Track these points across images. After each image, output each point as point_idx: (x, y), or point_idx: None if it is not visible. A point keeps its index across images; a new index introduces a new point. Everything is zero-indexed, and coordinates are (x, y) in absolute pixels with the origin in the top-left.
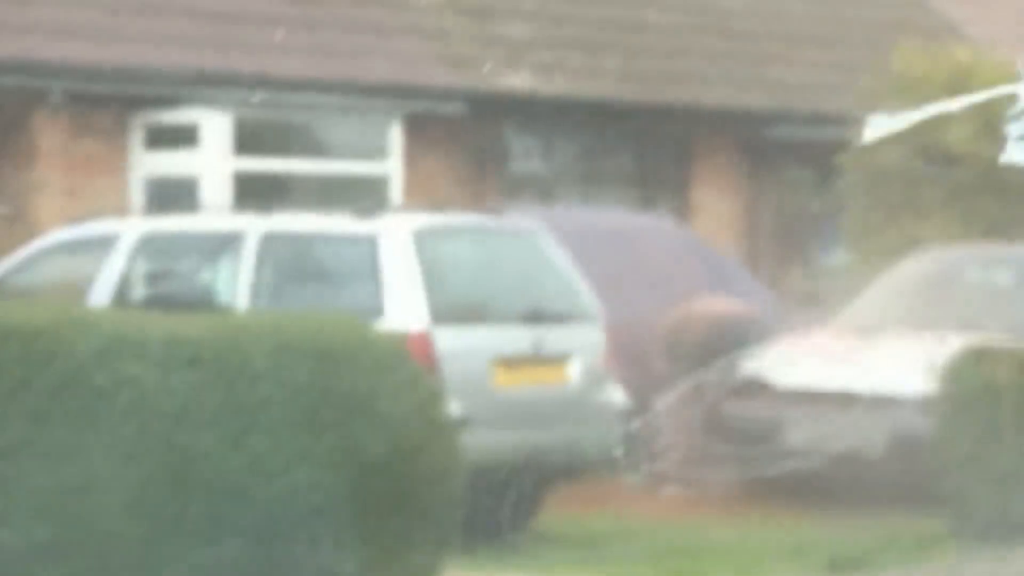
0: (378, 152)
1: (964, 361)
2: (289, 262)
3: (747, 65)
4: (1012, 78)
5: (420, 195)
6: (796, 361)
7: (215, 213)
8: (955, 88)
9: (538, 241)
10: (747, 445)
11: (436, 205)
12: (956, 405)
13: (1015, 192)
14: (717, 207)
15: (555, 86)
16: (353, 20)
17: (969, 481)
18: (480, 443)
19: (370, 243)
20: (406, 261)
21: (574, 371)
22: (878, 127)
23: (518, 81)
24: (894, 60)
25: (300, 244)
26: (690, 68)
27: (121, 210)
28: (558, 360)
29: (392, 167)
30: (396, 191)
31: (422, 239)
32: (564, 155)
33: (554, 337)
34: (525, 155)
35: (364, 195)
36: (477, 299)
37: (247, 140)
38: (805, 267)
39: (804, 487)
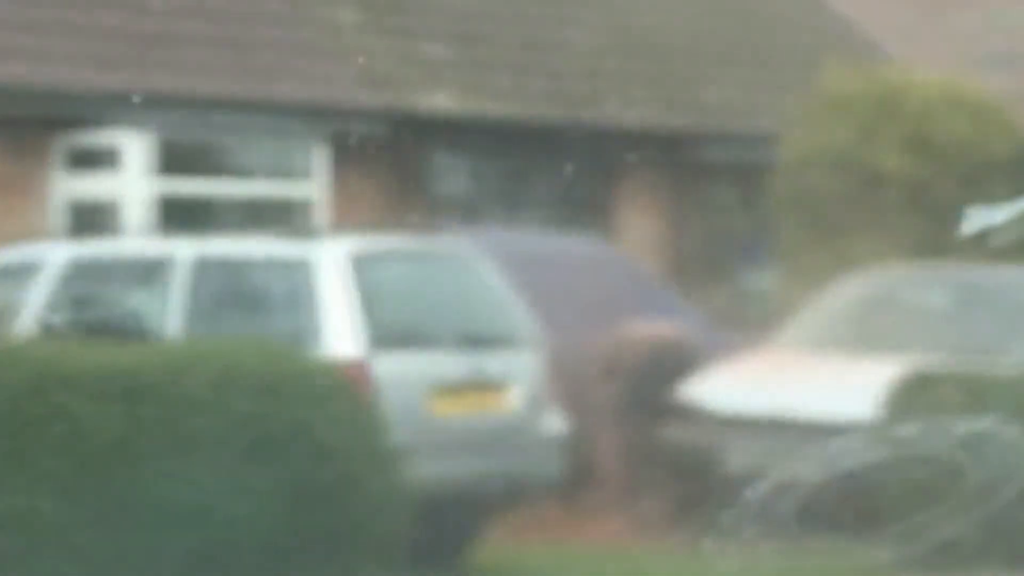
0: (301, 173)
1: (910, 385)
2: (222, 287)
3: (671, 86)
4: (943, 98)
5: (343, 217)
6: (733, 386)
7: (145, 237)
8: (886, 108)
9: (474, 264)
10: (684, 472)
11: (369, 227)
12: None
13: (944, 211)
14: (641, 228)
15: (478, 107)
16: (276, 40)
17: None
18: (418, 472)
19: (305, 267)
20: (342, 286)
21: (513, 398)
22: (976, 219)
23: (441, 102)
24: (824, 79)
25: (233, 269)
26: (614, 89)
27: (41, 234)
28: (497, 386)
29: (315, 188)
30: (319, 213)
31: (358, 263)
32: (488, 176)
33: (493, 363)
34: (448, 176)
35: (288, 217)
36: (414, 324)
37: (169, 162)
38: (730, 289)
39: (743, 515)
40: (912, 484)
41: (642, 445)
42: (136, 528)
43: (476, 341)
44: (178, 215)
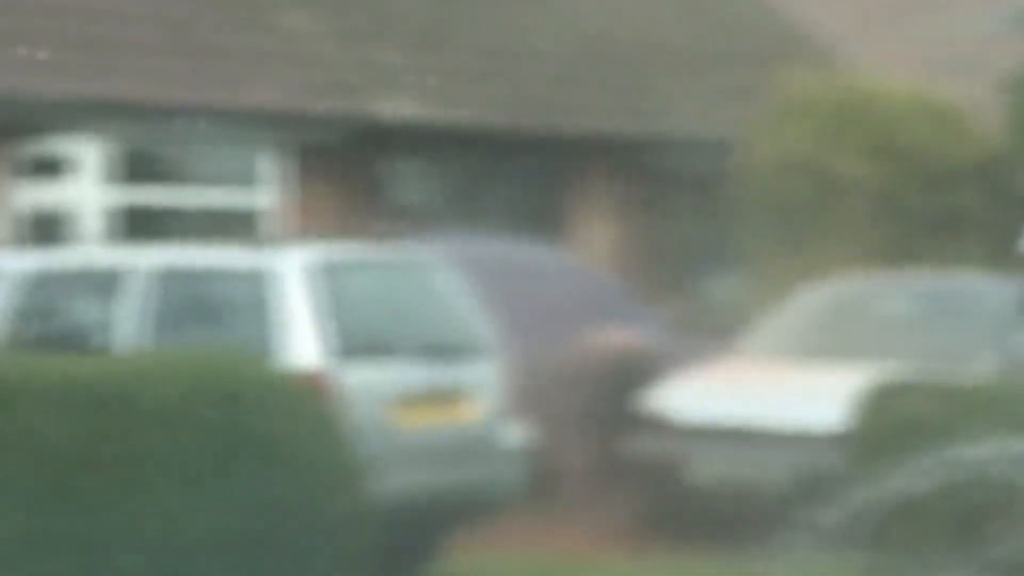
0: (260, 181)
1: (882, 394)
2: (183, 297)
3: (628, 92)
4: (906, 104)
5: (302, 225)
6: (698, 395)
7: (103, 246)
8: (849, 114)
9: (437, 273)
10: (650, 482)
11: (331, 236)
12: (874, 440)
13: (910, 219)
14: (599, 235)
15: (437, 114)
16: (231, 47)
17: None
18: (381, 484)
19: (267, 277)
20: (304, 295)
21: (476, 408)
22: None
23: (400, 109)
24: (786, 85)
25: (194, 278)
26: (572, 96)
27: None
28: (460, 397)
29: (274, 197)
30: (278, 221)
31: (320, 272)
32: (447, 183)
33: (455, 373)
34: (408, 184)
35: (247, 225)
36: (376, 335)
37: (127, 170)
38: (688, 296)
39: (709, 525)
40: (968, 503)
41: (607, 454)
42: (100, 542)
43: (439, 351)
44: (136, 224)
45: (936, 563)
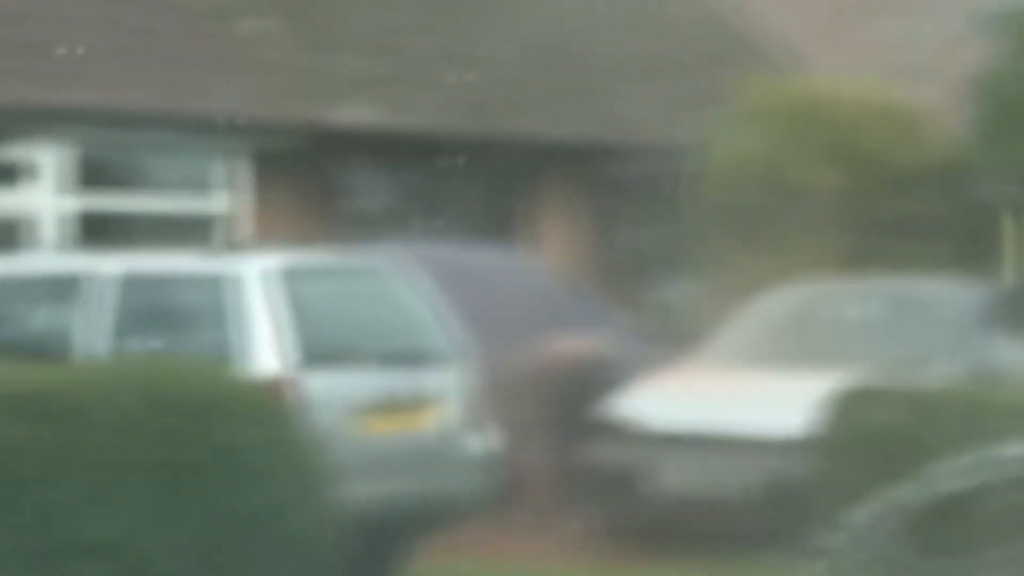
0: (219, 188)
1: (849, 400)
2: (144, 304)
3: (587, 98)
4: (865, 109)
5: (262, 231)
6: (662, 402)
7: (63, 252)
8: (808, 119)
9: (400, 279)
10: (615, 490)
11: (292, 243)
12: (841, 446)
13: (869, 224)
14: (559, 241)
15: (396, 120)
16: (189, 54)
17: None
18: (347, 494)
19: (229, 283)
20: (267, 301)
21: (444, 416)
22: None
23: (359, 115)
24: (744, 91)
25: (156, 285)
26: (529, 101)
27: None
28: (423, 404)
29: (233, 203)
30: (238, 227)
31: (283, 278)
32: (406, 189)
33: (419, 380)
34: (367, 190)
35: (206, 232)
36: (338, 342)
37: (85, 177)
38: (647, 302)
39: (675, 533)
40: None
41: (569, 462)
42: (59, 554)
43: (402, 358)
44: (93, 230)
45: (971, 564)
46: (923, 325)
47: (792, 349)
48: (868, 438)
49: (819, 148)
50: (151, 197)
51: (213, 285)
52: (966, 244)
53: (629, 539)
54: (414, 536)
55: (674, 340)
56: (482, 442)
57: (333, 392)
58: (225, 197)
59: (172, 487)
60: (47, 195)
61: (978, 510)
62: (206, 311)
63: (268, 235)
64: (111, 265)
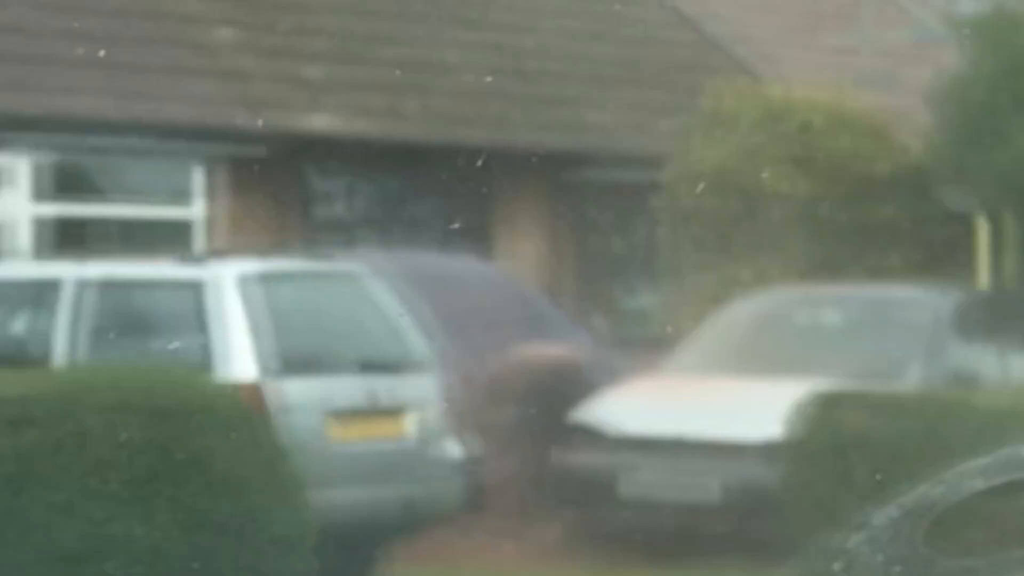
0: (182, 195)
1: (815, 406)
2: (116, 311)
3: (550, 106)
4: (825, 116)
5: (233, 238)
6: (631, 409)
7: (32, 259)
8: (769, 125)
9: (372, 286)
10: (582, 495)
11: (264, 249)
12: (807, 452)
13: (836, 231)
14: (523, 249)
15: (358, 128)
16: (153, 61)
17: (819, 531)
18: (316, 500)
19: (200, 289)
20: (239, 308)
21: (411, 424)
22: None
23: (322, 123)
24: (709, 98)
25: (124, 292)
26: (493, 110)
27: None
28: (394, 413)
29: (195, 211)
30: (204, 234)
31: (258, 284)
32: (369, 198)
33: (390, 388)
34: (329, 198)
35: (172, 239)
36: (311, 348)
37: (55, 184)
38: (614, 310)
39: (646, 537)
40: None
41: (541, 468)
42: (35, 563)
43: (374, 365)
44: (71, 237)
45: (994, 565)
46: (892, 331)
47: (762, 355)
48: (840, 443)
49: (787, 155)
50: (126, 204)
51: (190, 291)
52: (933, 250)
53: (603, 544)
54: (390, 542)
55: (645, 346)
56: (447, 450)
57: (310, 398)
58: (198, 204)
59: (149, 494)
60: (23, 202)
61: (1001, 510)
62: (183, 317)
63: (241, 241)
64: (87, 272)
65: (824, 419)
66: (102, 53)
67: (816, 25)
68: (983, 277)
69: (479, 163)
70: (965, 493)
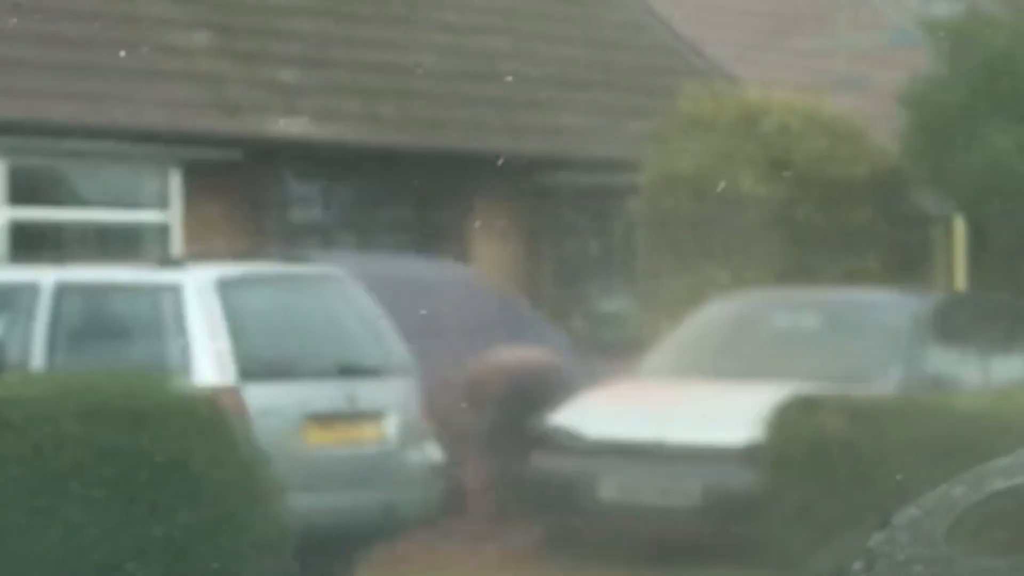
0: (155, 200)
1: (791, 410)
2: (86, 315)
3: (523, 111)
4: (799, 119)
5: (198, 243)
6: (605, 412)
7: (6, 264)
8: (744, 128)
9: (346, 290)
10: (557, 500)
11: (235, 254)
12: (783, 456)
13: (807, 235)
14: (496, 253)
15: (332, 132)
16: (126, 66)
17: (797, 535)
18: (292, 506)
19: (174, 294)
20: (211, 312)
21: (389, 428)
22: None
23: (293, 127)
24: (679, 102)
25: (98, 296)
26: (467, 114)
27: None
28: (372, 416)
29: (169, 215)
30: (173, 240)
31: (227, 289)
32: (343, 202)
33: (367, 392)
34: (304, 202)
35: (141, 244)
36: (286, 352)
37: (20, 189)
38: (585, 314)
39: (617, 542)
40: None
41: (513, 473)
42: (4, 571)
43: (348, 370)
44: (27, 243)
45: (1019, 564)
46: (868, 335)
47: (738, 359)
48: (811, 448)
49: (755, 159)
50: (84, 209)
51: (166, 295)
52: (909, 253)
53: (580, 548)
54: (368, 547)
55: (612, 351)
56: (425, 454)
57: (286, 402)
58: (172, 208)
59: (114, 501)
60: None
61: (1022, 510)
62: (146, 323)
63: (215, 246)
64: (52, 277)
65: (802, 423)
66: (76, 57)
67: (789, 28)
68: (959, 280)
69: (443, 168)
70: (986, 493)
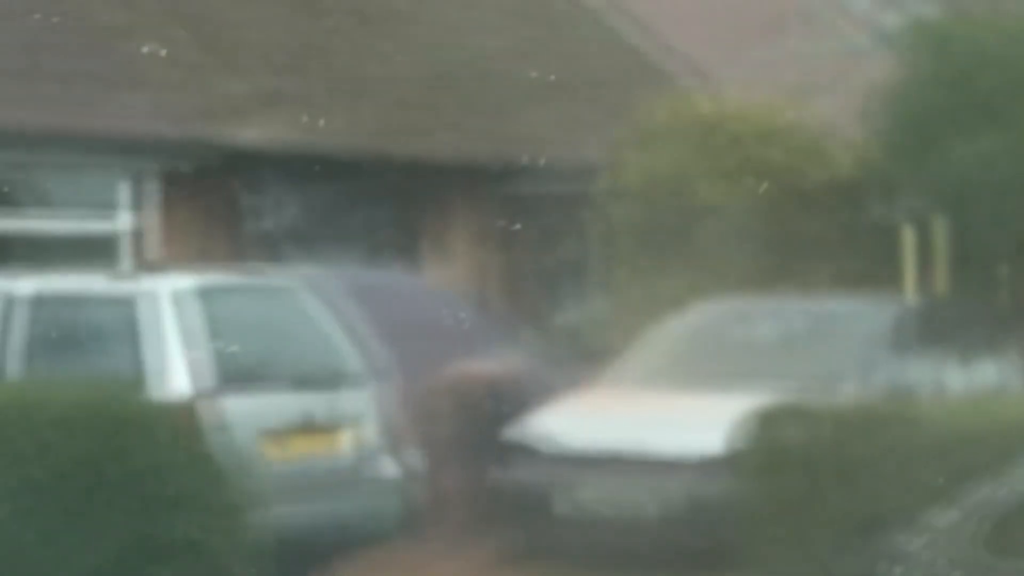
0: (108, 209)
1: (767, 418)
2: (53, 326)
3: (487, 118)
4: (759, 127)
5: (166, 252)
6: (576, 421)
7: None
8: (703, 138)
9: (305, 301)
10: (529, 509)
11: (200, 263)
12: (749, 465)
13: (775, 242)
14: (465, 262)
15: (303, 139)
16: (79, 73)
17: (760, 545)
18: (258, 516)
19: (132, 305)
20: (178, 323)
21: (348, 440)
22: None
23: (257, 135)
24: (648, 109)
25: (60, 307)
26: (423, 122)
27: None
28: (339, 427)
29: (131, 223)
30: (138, 249)
31: (195, 299)
32: (299, 211)
33: (331, 403)
34: (259, 212)
35: (105, 253)
36: (252, 362)
37: None
38: (552, 323)
39: (587, 552)
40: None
41: (483, 484)
42: None
43: (310, 381)
44: (2, 253)
45: None
46: (831, 343)
47: (700, 369)
48: (786, 456)
49: (725, 166)
50: (55, 218)
51: (126, 306)
52: (873, 260)
53: (545, 560)
54: (330, 559)
55: (584, 360)
56: (398, 464)
57: (245, 415)
58: (127, 218)
59: (87, 511)
60: None
61: None
62: (119, 332)
63: (171, 256)
64: (21, 286)
65: (768, 432)
66: (49, 65)
67: (750, 37)
68: (920, 287)
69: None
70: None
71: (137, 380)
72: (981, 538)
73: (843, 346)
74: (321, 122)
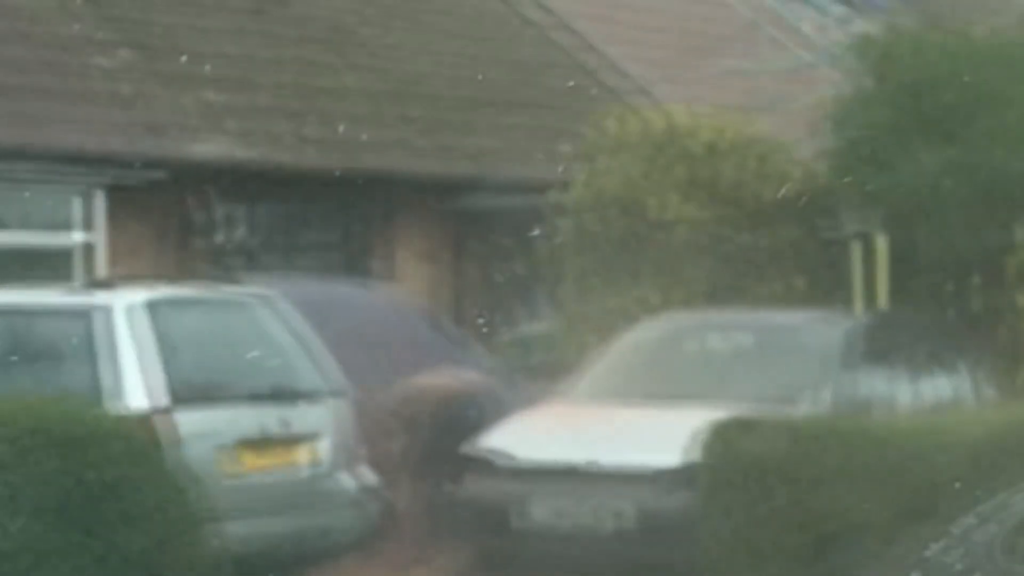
0: (68, 223)
1: (724, 432)
2: (9, 341)
3: (445, 133)
4: (721, 140)
5: (119, 266)
6: (536, 435)
7: None
8: (655, 152)
9: (265, 314)
10: (488, 523)
11: (159, 277)
12: (720, 479)
13: (729, 256)
14: (416, 276)
15: (254, 153)
16: (44, 86)
17: (721, 559)
18: (224, 532)
19: (91, 318)
20: (134, 337)
21: (313, 453)
22: None
23: (216, 148)
24: (599, 124)
25: (17, 320)
26: (387, 136)
27: None
28: (296, 442)
29: (89, 238)
30: (87, 262)
31: (151, 313)
32: (265, 223)
33: (291, 417)
34: (226, 224)
35: (58, 267)
36: (208, 377)
37: None
38: (512, 336)
39: (543, 567)
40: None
41: (441, 497)
42: None
43: (269, 395)
44: None
45: None
46: (793, 356)
47: (660, 382)
48: (743, 470)
49: (676, 181)
50: (4, 232)
51: (80, 320)
52: (822, 275)
53: (502, 573)
54: (287, 574)
55: (542, 373)
56: (355, 479)
57: (204, 429)
58: (79, 232)
59: (45, 528)
60: None
61: None
62: (73, 347)
63: (129, 269)
64: None
65: (725, 445)
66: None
67: (696, 53)
68: (880, 298)
69: (365, 190)
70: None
71: (93, 395)
72: (998, 545)
73: (794, 360)
74: (270, 138)
